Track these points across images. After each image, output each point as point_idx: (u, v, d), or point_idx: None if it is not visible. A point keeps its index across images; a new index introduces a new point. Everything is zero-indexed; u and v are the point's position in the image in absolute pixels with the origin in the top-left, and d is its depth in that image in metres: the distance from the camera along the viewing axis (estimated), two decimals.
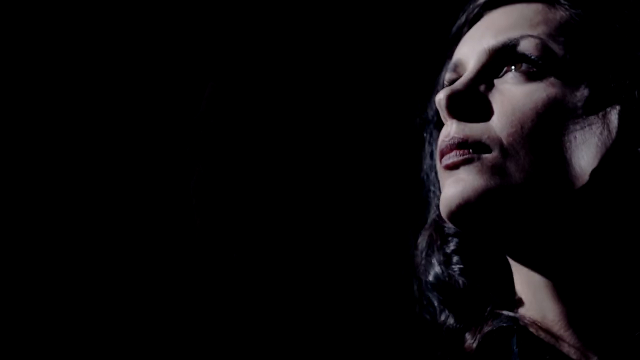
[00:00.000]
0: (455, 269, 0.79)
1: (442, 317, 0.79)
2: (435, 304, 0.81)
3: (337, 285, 1.44)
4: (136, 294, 1.40)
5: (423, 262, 0.83)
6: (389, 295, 1.32)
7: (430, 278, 0.81)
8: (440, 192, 0.73)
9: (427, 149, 0.84)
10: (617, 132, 0.67)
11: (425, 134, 0.85)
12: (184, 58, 1.47)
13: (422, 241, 0.84)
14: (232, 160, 1.49)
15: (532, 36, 0.69)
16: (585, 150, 0.66)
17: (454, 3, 0.81)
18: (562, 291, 0.69)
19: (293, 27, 1.47)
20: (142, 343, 1.41)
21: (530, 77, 0.68)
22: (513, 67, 0.69)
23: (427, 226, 0.84)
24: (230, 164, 1.49)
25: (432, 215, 0.84)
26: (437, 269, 0.80)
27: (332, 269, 1.43)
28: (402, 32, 1.39)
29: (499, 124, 0.67)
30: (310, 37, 1.46)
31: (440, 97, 0.69)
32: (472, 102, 0.69)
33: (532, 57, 0.68)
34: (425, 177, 0.86)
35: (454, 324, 0.77)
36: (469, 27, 0.76)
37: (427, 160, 0.85)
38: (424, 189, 0.86)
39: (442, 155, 0.70)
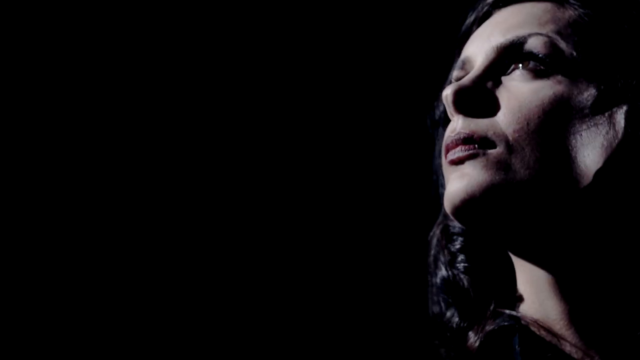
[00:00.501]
0: (460, 267, 0.79)
1: (448, 315, 0.80)
2: (442, 303, 0.81)
3: (345, 283, 1.44)
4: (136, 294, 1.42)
5: (431, 261, 0.83)
6: (393, 293, 1.32)
7: (437, 280, 0.81)
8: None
9: (437, 148, 0.85)
10: (623, 133, 0.67)
11: (434, 134, 0.85)
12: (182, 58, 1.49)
13: (430, 240, 0.84)
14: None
15: (540, 34, 0.69)
16: (590, 149, 0.66)
17: (463, 2, 0.81)
18: (564, 290, 0.69)
19: (308, 29, 1.48)
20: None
21: (537, 74, 0.68)
22: (520, 65, 0.70)
23: (434, 226, 0.85)
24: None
25: (440, 215, 0.84)
26: (443, 271, 0.81)
27: (340, 268, 1.43)
28: (411, 33, 1.40)
29: (505, 120, 0.68)
30: (322, 39, 1.48)
31: (447, 93, 0.70)
32: (479, 98, 0.70)
33: (540, 55, 0.68)
34: (435, 177, 0.86)
35: (458, 323, 0.78)
36: (478, 26, 0.77)
37: (437, 160, 0.85)
38: (434, 189, 0.87)
39: (447, 151, 0.70)
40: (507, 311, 0.73)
